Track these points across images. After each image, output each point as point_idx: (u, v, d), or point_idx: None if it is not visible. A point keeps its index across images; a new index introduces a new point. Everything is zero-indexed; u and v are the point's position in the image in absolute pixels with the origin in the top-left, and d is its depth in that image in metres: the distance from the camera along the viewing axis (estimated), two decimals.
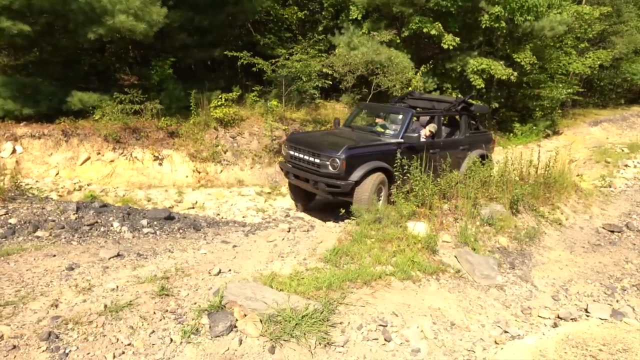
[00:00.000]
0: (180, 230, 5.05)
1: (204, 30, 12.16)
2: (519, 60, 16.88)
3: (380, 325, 2.82)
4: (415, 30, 15.06)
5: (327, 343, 2.53)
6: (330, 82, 13.65)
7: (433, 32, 14.69)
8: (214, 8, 11.89)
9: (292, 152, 6.43)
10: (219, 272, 3.42)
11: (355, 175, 5.74)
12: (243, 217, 6.66)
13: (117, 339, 2.44)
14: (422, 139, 7.03)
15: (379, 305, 3.02)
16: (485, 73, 15.94)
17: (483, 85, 16.16)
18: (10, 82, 9.47)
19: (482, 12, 15.57)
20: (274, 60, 12.50)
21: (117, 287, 3.02)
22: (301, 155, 6.25)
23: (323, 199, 7.30)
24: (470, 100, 8.07)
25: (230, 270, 3.50)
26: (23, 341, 2.34)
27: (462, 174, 6.63)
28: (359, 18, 15.64)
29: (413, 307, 3.13)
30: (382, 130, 6.92)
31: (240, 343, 2.44)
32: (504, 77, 16.10)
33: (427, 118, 7.91)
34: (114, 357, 2.31)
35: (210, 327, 2.56)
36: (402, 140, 6.34)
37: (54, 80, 10.23)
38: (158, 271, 3.33)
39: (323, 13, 16.94)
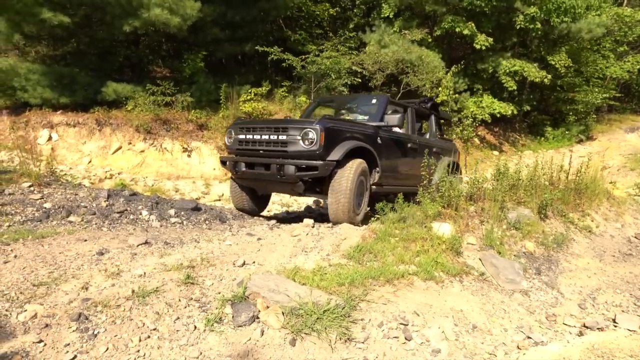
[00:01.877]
0: (207, 221, 5.14)
1: (235, 25, 12.33)
2: (553, 62, 16.48)
3: (401, 323, 2.81)
4: (448, 30, 14.89)
5: (348, 339, 2.54)
6: (360, 80, 13.63)
7: (466, 31, 14.50)
8: (247, 3, 12.02)
9: (242, 136, 5.13)
10: (243, 263, 3.47)
11: (336, 153, 4.65)
12: (268, 211, 6.72)
13: (144, 324, 2.51)
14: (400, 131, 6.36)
15: (400, 303, 3.01)
16: (518, 75, 15.64)
17: (515, 87, 15.86)
18: (49, 71, 9.81)
19: (517, 12, 15.25)
20: (304, 57, 12.57)
21: (145, 273, 3.10)
22: (258, 136, 4.98)
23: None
24: (437, 101, 7.73)
25: (254, 262, 3.54)
26: (55, 320, 2.43)
27: (435, 181, 6.04)
28: (391, 16, 15.56)
29: (435, 308, 3.11)
30: (352, 119, 6.09)
31: (262, 334, 2.48)
32: (537, 80, 15.76)
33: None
34: (140, 340, 2.37)
35: (233, 316, 2.61)
36: (382, 123, 5.54)
37: (90, 70, 10.56)
38: (184, 260, 3.40)
39: (355, 10, 16.91)
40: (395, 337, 2.70)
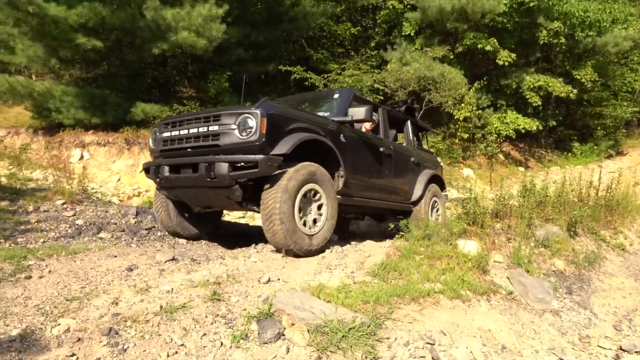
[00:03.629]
0: (232, 239, 5.20)
1: (259, 46, 12.62)
2: (579, 77, 16.26)
3: (428, 343, 2.77)
4: (470, 46, 14.89)
5: (374, 357, 2.52)
6: (382, 97, 13.70)
7: (488, 48, 14.47)
8: (270, 24, 12.31)
9: (167, 134, 4.23)
10: (268, 280, 3.50)
11: (283, 146, 3.76)
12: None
13: (171, 339, 2.54)
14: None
15: (426, 322, 2.97)
16: (543, 90, 15.47)
17: (540, 103, 15.68)
18: (81, 93, 10.20)
19: (540, 28, 15.17)
20: (326, 75, 12.74)
21: (172, 289, 3.16)
22: (185, 131, 4.05)
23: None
24: (414, 106, 6.74)
25: (279, 279, 3.56)
26: (87, 335, 2.49)
27: (417, 195, 5.81)
28: (412, 34, 15.67)
29: (462, 327, 3.06)
30: None
31: (288, 351, 2.48)
32: (562, 95, 15.55)
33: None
34: (168, 356, 2.41)
35: (259, 333, 2.62)
36: (347, 118, 4.60)
37: (120, 92, 10.93)
38: (210, 276, 3.45)
39: (376, 29, 17.11)
40: (422, 357, 2.66)
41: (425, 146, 7.29)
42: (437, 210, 6.33)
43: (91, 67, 12.09)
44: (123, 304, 2.90)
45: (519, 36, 15.60)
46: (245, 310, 2.94)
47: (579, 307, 3.92)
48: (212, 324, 2.75)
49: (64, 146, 10.19)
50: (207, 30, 9.57)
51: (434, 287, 3.46)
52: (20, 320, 2.56)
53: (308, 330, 2.60)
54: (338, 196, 4.37)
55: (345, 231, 6.44)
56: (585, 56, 16.89)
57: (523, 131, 15.38)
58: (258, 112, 3.69)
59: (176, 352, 2.44)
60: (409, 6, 15.33)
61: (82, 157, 10.06)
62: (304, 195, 3.95)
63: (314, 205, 4.14)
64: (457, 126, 14.53)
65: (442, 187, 6.63)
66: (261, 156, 3.65)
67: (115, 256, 3.88)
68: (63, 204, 5.28)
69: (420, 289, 3.36)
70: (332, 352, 2.47)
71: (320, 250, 4.17)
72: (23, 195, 5.82)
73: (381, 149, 5.20)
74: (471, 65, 16.21)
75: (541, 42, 15.19)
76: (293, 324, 2.69)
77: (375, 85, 13.20)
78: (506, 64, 14.62)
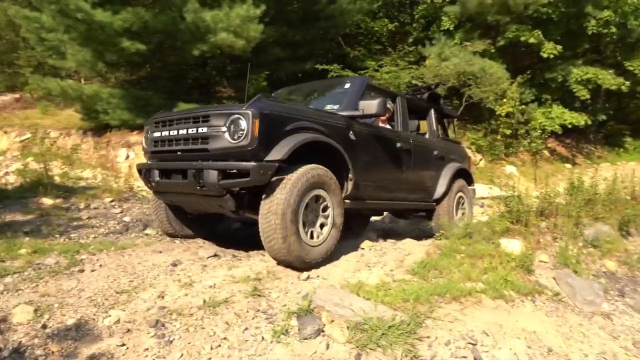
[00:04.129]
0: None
1: (296, 44, 12.70)
2: (632, 68, 15.43)
3: (470, 343, 2.72)
4: (512, 39, 14.43)
5: (414, 356, 2.50)
6: None
7: (532, 40, 13.97)
8: (307, 23, 12.36)
9: (158, 134, 3.89)
10: (308, 277, 3.53)
11: (279, 151, 3.33)
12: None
13: (214, 332, 2.61)
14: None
15: (468, 322, 2.92)
16: (591, 83, 14.79)
17: (588, 96, 15.01)
18: (126, 95, 10.59)
19: (589, 17, 14.48)
20: (363, 72, 12.67)
21: (215, 284, 3.24)
22: (174, 132, 3.70)
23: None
24: (437, 92, 6.08)
25: (318, 276, 3.59)
26: (135, 326, 2.60)
27: (440, 193, 5.33)
28: (451, 28, 15.34)
29: (505, 328, 2.98)
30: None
31: (327, 347, 2.50)
32: (613, 87, 14.82)
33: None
34: (212, 349, 2.47)
35: (299, 329, 2.65)
36: (357, 112, 4.07)
37: (162, 93, 11.27)
38: (251, 272, 3.52)
39: (414, 25, 16.86)
40: (463, 357, 2.62)
41: (452, 135, 6.80)
42: (462, 207, 5.93)
43: (135, 70, 12.55)
44: (168, 297, 3.01)
45: (565, 27, 14.96)
46: (285, 306, 2.98)
47: (632, 310, 3.73)
48: (253, 318, 2.80)
49: (111, 146, 10.63)
50: (245, 30, 9.72)
51: (476, 287, 3.39)
52: (75, 311, 2.71)
53: (347, 327, 2.61)
54: (347, 200, 4.01)
55: (363, 229, 6.10)
56: (639, 46, 16.01)
57: (570, 126, 14.77)
58: (249, 112, 3.24)
59: (219, 345, 2.51)
60: (447, 0, 15.01)
61: (127, 157, 10.46)
62: (307, 204, 3.54)
63: (320, 213, 3.75)
64: (498, 122, 14.13)
65: (470, 181, 6.16)
66: (253, 164, 3.22)
67: (161, 252, 4.02)
68: (111, 201, 5.52)
69: (462, 288, 3.30)
70: (371, 349, 2.47)
71: (325, 260, 3.77)
72: (75, 193, 6.12)
73: (398, 144, 4.71)
74: (513, 59, 15.69)
75: (590, 33, 14.51)
76: (332, 321, 2.70)
77: (413, 82, 13.02)
78: (551, 56, 14.07)
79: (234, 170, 3.30)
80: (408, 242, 4.47)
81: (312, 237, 3.65)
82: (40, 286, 3.05)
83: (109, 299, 2.90)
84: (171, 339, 2.53)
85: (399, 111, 5.05)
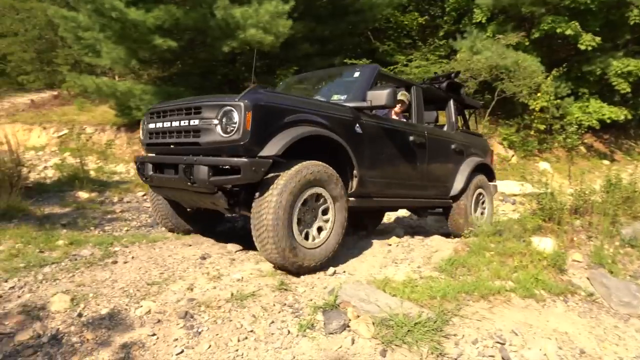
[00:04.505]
0: None
1: (325, 40, 12.68)
2: None
3: (498, 342, 2.67)
4: (547, 31, 13.97)
5: (440, 354, 2.48)
6: None
7: (568, 32, 13.49)
8: (335, 18, 12.31)
9: (152, 125, 3.76)
10: (334, 272, 3.54)
11: (274, 145, 3.14)
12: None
13: (242, 325, 2.66)
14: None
15: (496, 321, 2.87)
16: (632, 76, 14.16)
17: (629, 90, 14.40)
18: (159, 91, 10.83)
19: (631, 7, 13.85)
20: (392, 67, 12.55)
21: (242, 278, 3.29)
22: (168, 124, 3.57)
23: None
24: (457, 81, 5.61)
25: (344, 271, 3.60)
26: (165, 317, 2.68)
27: (457, 189, 5.07)
28: (483, 21, 14.98)
29: (535, 328, 2.91)
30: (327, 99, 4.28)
31: (353, 343, 2.51)
32: None
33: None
34: (239, 341, 2.52)
35: (324, 324, 2.67)
36: (364, 103, 3.84)
37: (193, 89, 11.47)
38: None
39: (445, 18, 16.56)
40: (490, 356, 2.57)
41: (474, 127, 6.55)
42: (482, 204, 5.63)
43: (167, 67, 12.82)
44: (197, 290, 3.07)
45: (604, 17, 14.37)
46: (311, 300, 3.00)
47: None
48: (279, 312, 2.84)
49: None
50: (274, 26, 9.77)
51: (505, 285, 3.33)
52: (108, 301, 2.80)
53: (373, 323, 2.61)
54: (352, 198, 3.82)
55: (376, 225, 6.03)
56: None
57: (608, 121, 14.21)
58: (242, 104, 3.04)
59: (246, 338, 2.55)
60: None
61: None
62: (305, 203, 3.33)
63: (319, 213, 3.51)
64: (532, 117, 13.73)
65: (491, 176, 5.84)
66: (244, 160, 3.02)
67: (190, 245, 4.11)
68: (143, 195, 5.67)
69: (490, 286, 3.24)
70: (397, 345, 2.46)
71: (326, 263, 3.55)
72: (109, 187, 6.33)
73: (411, 138, 4.45)
74: (549, 51, 15.19)
75: (632, 23, 13.88)
76: (358, 316, 2.71)
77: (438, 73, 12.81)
78: (589, 48, 13.55)
79: (226, 166, 3.12)
80: (436, 239, 4.42)
81: (309, 238, 3.41)
82: (76, 276, 3.17)
83: (141, 290, 2.98)
84: (199, 330, 2.59)
85: (414, 102, 4.77)
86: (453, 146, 5.12)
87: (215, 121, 3.15)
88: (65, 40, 13.02)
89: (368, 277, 3.42)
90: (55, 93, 15.33)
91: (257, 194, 3.17)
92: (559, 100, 13.59)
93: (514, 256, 3.77)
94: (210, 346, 2.45)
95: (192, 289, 3.07)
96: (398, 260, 3.89)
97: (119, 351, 2.34)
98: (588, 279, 3.76)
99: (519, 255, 3.76)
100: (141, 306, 2.75)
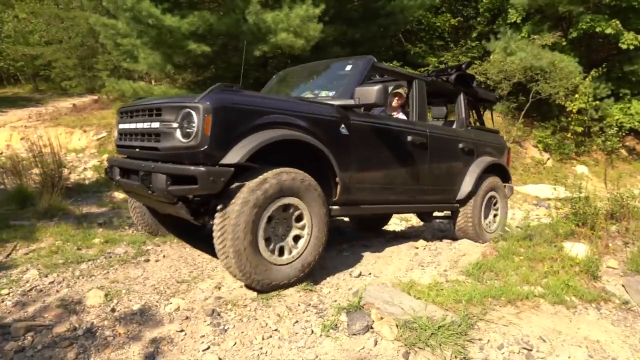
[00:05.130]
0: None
1: (356, 43, 12.67)
2: None
3: (524, 348, 2.63)
4: (586, 31, 13.52)
5: (464, 358, 2.45)
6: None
7: (608, 31, 13.02)
8: (366, 21, 12.29)
9: (121, 126, 3.58)
10: (360, 274, 3.56)
11: (237, 152, 2.82)
12: (387, 225, 6.74)
13: (266, 324, 2.71)
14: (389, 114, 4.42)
15: (524, 326, 2.81)
16: None
17: None
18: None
19: None
20: (423, 69, 12.42)
21: None
22: (133, 125, 3.34)
23: None
24: (468, 72, 5.15)
25: (370, 273, 3.61)
26: (193, 314, 2.76)
27: (464, 192, 4.67)
28: (518, 21, 14.65)
29: (565, 335, 2.84)
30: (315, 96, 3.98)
31: (376, 344, 2.52)
32: None
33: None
34: (263, 339, 2.57)
35: (348, 324, 2.69)
36: (351, 101, 3.50)
37: None
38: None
39: (478, 19, 16.27)
40: None
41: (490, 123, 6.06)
42: (495, 207, 5.24)
43: (201, 71, 13.12)
44: (225, 288, 3.15)
45: None
46: (335, 301, 3.03)
47: None
48: (304, 312, 2.88)
49: None
50: (305, 30, 9.85)
51: (534, 291, 3.26)
52: (140, 297, 2.91)
53: (396, 325, 2.62)
54: (335, 207, 3.49)
55: (382, 226, 5.86)
56: None
57: None
58: (200, 106, 2.74)
59: (270, 336, 2.60)
60: None
61: None
62: (275, 214, 3.00)
63: (292, 225, 3.17)
64: (569, 119, 13.30)
65: (506, 177, 5.38)
66: (200, 169, 2.71)
67: None
68: None
69: (518, 291, 3.19)
70: (420, 348, 2.46)
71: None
72: None
73: (409, 138, 4.04)
74: (587, 51, 14.70)
75: None
76: (382, 318, 2.72)
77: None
78: (631, 47, 13.01)
79: (179, 175, 2.82)
80: (464, 243, 4.36)
81: (281, 253, 3.09)
82: (111, 273, 3.31)
83: (171, 288, 3.09)
84: (226, 327, 2.66)
85: (415, 97, 4.31)
86: (461, 145, 4.70)
87: (175, 124, 2.87)
88: (105, 46, 13.52)
89: (393, 280, 3.42)
90: (95, 97, 15.95)
91: (219, 206, 2.83)
92: (597, 102, 13.13)
93: (544, 261, 3.69)
94: (235, 343, 2.51)
95: (219, 288, 3.15)
96: (424, 264, 3.86)
97: (148, 345, 2.43)
98: (623, 286, 3.63)
99: (549, 261, 3.67)
100: (171, 303, 2.84)
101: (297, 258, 3.14)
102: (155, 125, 3.03)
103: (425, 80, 4.44)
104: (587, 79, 12.58)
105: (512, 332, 2.73)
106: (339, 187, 3.42)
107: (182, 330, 2.58)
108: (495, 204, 5.22)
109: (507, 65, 12.25)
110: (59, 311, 2.70)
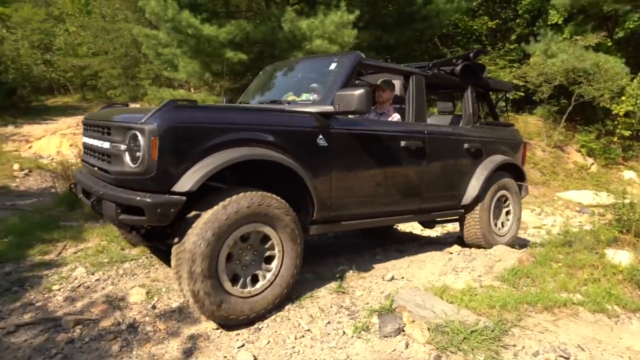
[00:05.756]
0: (358, 237, 5.37)
1: (391, 48, 12.67)
2: None
3: (561, 356, 2.56)
4: (633, 30, 12.96)
5: None
6: (522, 94, 12.72)
7: None
8: (401, 25, 12.26)
9: (84, 139, 3.28)
10: (392, 278, 3.57)
11: (190, 178, 2.47)
12: (421, 230, 6.68)
13: (299, 324, 2.77)
14: (372, 117, 3.99)
15: (561, 334, 2.75)
16: None
17: None
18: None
19: None
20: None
21: (301, 279, 3.41)
22: (90, 141, 3.08)
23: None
24: (478, 61, 4.64)
25: (402, 277, 3.61)
26: None
27: (471, 196, 4.24)
28: (560, 22, 14.22)
29: (605, 345, 2.75)
30: (295, 99, 3.57)
31: (407, 346, 2.53)
32: None
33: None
34: (296, 338, 2.63)
35: (379, 327, 2.71)
36: (330, 108, 3.10)
37: None
38: (336, 271, 3.64)
39: (517, 21, 15.91)
40: None
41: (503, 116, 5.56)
42: (507, 210, 4.79)
43: (238, 78, 13.42)
44: None
45: None
46: (367, 304, 3.06)
47: None
48: (336, 313, 2.92)
49: None
50: (339, 36, 9.94)
51: (573, 298, 3.17)
52: (179, 296, 3.04)
53: (428, 329, 2.62)
54: (314, 226, 3.18)
55: (390, 228, 5.62)
56: None
57: None
58: (146, 128, 2.38)
59: (303, 336, 2.66)
60: None
61: None
62: (239, 242, 2.67)
63: (259, 251, 2.82)
64: (615, 122, 12.77)
65: (520, 177, 4.89)
66: (146, 200, 2.37)
67: None
68: None
69: (556, 298, 3.11)
70: (452, 352, 2.45)
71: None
72: None
73: (403, 143, 3.59)
74: (636, 51, 14.08)
75: None
76: (413, 321, 2.72)
77: (515, 81, 12.29)
78: None
79: (128, 204, 2.47)
80: (500, 249, 4.28)
81: (246, 284, 2.74)
82: (152, 272, 3.47)
83: None
84: (260, 327, 2.74)
85: (411, 95, 3.87)
86: (466, 146, 4.21)
87: (123, 147, 2.54)
88: (147, 56, 14.07)
89: (426, 284, 3.41)
90: (138, 105, 16.62)
91: (176, 239, 2.54)
92: None
93: (585, 268, 3.58)
94: (269, 342, 2.58)
95: None
96: (458, 269, 3.82)
97: (186, 341, 2.54)
98: None
99: (590, 268, 3.56)
100: None
101: (266, 288, 2.80)
102: (106, 145, 2.74)
103: (424, 75, 3.98)
104: (635, 80, 12.07)
105: (549, 340, 2.68)
106: (316, 206, 3.06)
107: (218, 328, 2.68)
108: (506, 203, 4.78)
109: (547, 68, 11.92)
110: (104, 307, 2.86)
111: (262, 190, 2.74)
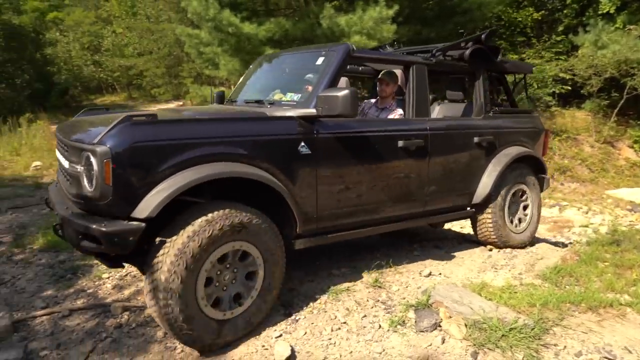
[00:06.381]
0: (395, 234, 5.34)
1: (431, 41, 12.38)
2: None
3: (606, 357, 2.48)
4: None
5: None
6: (570, 87, 12.20)
7: None
8: (442, 19, 12.03)
9: (57, 154, 2.93)
10: (429, 274, 3.54)
11: (149, 202, 2.21)
12: (461, 227, 6.56)
13: (335, 317, 2.81)
14: (372, 112, 3.73)
15: (606, 335, 2.66)
16: None
17: None
18: None
19: None
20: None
21: (339, 273, 3.46)
22: (58, 155, 2.88)
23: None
24: (491, 44, 4.12)
25: (440, 273, 3.58)
26: None
27: (484, 193, 3.86)
28: (612, 11, 13.50)
29: None
30: (281, 98, 3.25)
31: (443, 342, 2.52)
32: None
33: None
34: (332, 330, 2.67)
35: (415, 321, 2.71)
36: (313, 111, 2.80)
37: None
38: (373, 265, 3.65)
39: (565, 11, 15.24)
40: None
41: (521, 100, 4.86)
42: (524, 205, 4.37)
43: None
44: (296, 280, 3.30)
45: None
46: (404, 299, 3.06)
47: None
48: (372, 307, 2.94)
49: None
50: (378, 32, 9.86)
51: (620, 299, 3.06)
52: None
53: (465, 325, 2.60)
54: (299, 240, 2.89)
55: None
56: None
57: None
58: (97, 150, 2.15)
59: (339, 328, 2.70)
60: None
61: None
62: (218, 262, 2.44)
63: (239, 272, 2.58)
64: None
65: (540, 169, 4.42)
66: (101, 228, 2.14)
67: None
68: None
69: (601, 298, 3.01)
70: (489, 349, 2.42)
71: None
72: None
73: (400, 143, 3.23)
74: None
75: None
76: (450, 317, 2.71)
77: (561, 75, 11.82)
78: None
79: (86, 232, 2.24)
80: (542, 247, 4.16)
81: (228, 305, 2.52)
82: None
83: None
84: (297, 318, 2.80)
85: (411, 87, 3.47)
86: (476, 139, 3.78)
87: (80, 168, 2.30)
88: (189, 55, 14.45)
89: (464, 281, 3.37)
90: (180, 103, 17.14)
91: (145, 267, 2.32)
92: None
93: (634, 268, 3.44)
94: (306, 333, 2.64)
95: (291, 280, 3.30)
96: (498, 266, 3.75)
97: None
98: None
99: (639, 268, 3.41)
100: None
101: (247, 309, 2.58)
102: (66, 164, 2.51)
103: (426, 64, 3.56)
104: None
105: (592, 340, 2.60)
106: (297, 220, 2.79)
107: None
108: (523, 197, 4.36)
109: (597, 60, 11.37)
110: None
111: (242, 202, 2.53)
